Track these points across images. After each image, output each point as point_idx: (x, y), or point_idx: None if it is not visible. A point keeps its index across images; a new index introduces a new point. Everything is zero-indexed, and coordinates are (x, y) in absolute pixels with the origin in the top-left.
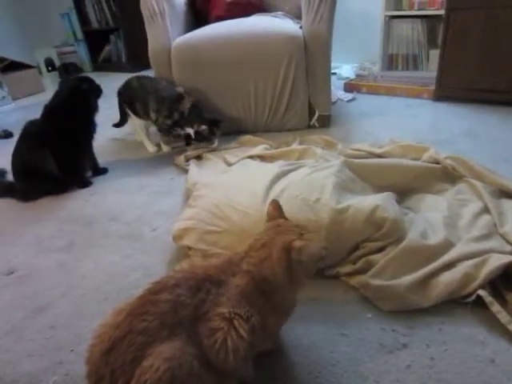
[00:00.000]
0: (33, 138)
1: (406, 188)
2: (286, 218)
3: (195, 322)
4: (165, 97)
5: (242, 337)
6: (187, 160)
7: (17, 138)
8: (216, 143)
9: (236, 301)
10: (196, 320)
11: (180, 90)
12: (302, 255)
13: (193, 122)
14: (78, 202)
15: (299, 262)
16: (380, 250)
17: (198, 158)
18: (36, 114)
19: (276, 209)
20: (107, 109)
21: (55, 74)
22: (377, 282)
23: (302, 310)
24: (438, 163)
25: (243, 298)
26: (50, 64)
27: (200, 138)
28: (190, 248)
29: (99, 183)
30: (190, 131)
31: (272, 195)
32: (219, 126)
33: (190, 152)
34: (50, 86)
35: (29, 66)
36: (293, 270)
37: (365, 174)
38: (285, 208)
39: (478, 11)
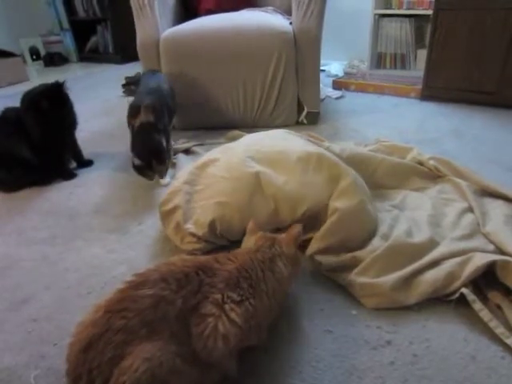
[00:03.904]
0: (10, 125)
1: (382, 182)
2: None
3: (184, 316)
4: (130, 104)
5: (234, 321)
6: (175, 154)
7: None
8: (156, 179)
9: (233, 283)
10: (185, 313)
11: (144, 101)
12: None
13: (131, 147)
14: (62, 194)
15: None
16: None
17: (187, 151)
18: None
19: (256, 226)
20: (93, 99)
21: (40, 63)
22: (362, 279)
23: (286, 306)
24: (421, 164)
25: (242, 277)
26: (34, 53)
27: (141, 172)
28: (176, 209)
29: (84, 175)
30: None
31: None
32: (161, 161)
33: (178, 146)
34: (35, 75)
35: (13, 55)
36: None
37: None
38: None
39: (465, 12)
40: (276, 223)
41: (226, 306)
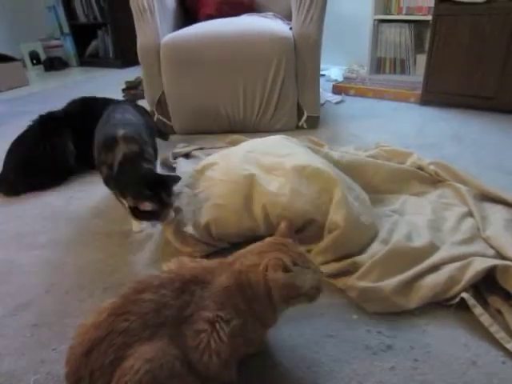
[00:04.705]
0: (56, 121)
1: (381, 188)
2: (294, 240)
3: (179, 324)
4: (96, 138)
5: (222, 339)
6: (175, 158)
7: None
8: (171, 215)
9: (219, 302)
10: (180, 322)
11: (120, 132)
12: (268, 275)
13: (124, 189)
14: (62, 198)
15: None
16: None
17: (187, 156)
18: (20, 106)
19: (288, 228)
20: None
21: (40, 67)
22: (363, 283)
23: (288, 311)
24: (421, 169)
25: (227, 297)
26: (35, 57)
27: (146, 216)
28: (177, 212)
29: (85, 180)
30: (129, 202)
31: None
32: (171, 191)
33: (178, 150)
34: (35, 79)
35: (13, 59)
36: (270, 287)
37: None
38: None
39: (464, 18)
40: (268, 228)
41: (217, 325)
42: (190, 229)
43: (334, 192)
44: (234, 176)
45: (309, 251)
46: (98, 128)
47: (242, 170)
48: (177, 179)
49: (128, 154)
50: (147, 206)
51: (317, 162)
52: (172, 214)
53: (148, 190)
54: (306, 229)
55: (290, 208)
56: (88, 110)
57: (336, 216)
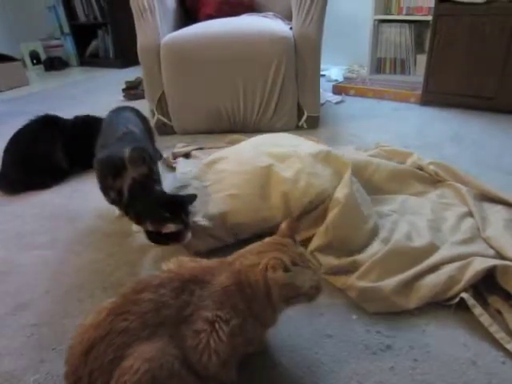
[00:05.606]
0: (56, 125)
1: (381, 187)
2: (294, 240)
3: (178, 324)
4: (101, 160)
5: (221, 339)
6: (175, 158)
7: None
8: (189, 236)
9: (219, 302)
10: (179, 322)
11: (126, 152)
12: (268, 275)
13: (141, 215)
14: (61, 198)
15: (270, 281)
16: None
17: (187, 156)
18: (20, 106)
19: (289, 228)
20: (93, 103)
21: (40, 67)
22: (362, 283)
23: (287, 311)
24: (421, 169)
25: (226, 297)
26: (35, 57)
27: (165, 239)
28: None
29: (84, 179)
30: (148, 227)
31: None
32: (188, 211)
33: (178, 150)
34: (35, 79)
35: (13, 59)
36: (269, 287)
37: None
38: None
39: (464, 18)
40: (285, 216)
41: (216, 325)
42: (200, 220)
43: (344, 175)
44: (249, 167)
45: (309, 240)
46: (100, 140)
47: (258, 162)
48: (192, 199)
49: (137, 179)
50: (170, 227)
51: (329, 148)
52: (189, 234)
53: (167, 213)
54: (317, 207)
55: (309, 190)
56: (87, 128)
57: (338, 194)
